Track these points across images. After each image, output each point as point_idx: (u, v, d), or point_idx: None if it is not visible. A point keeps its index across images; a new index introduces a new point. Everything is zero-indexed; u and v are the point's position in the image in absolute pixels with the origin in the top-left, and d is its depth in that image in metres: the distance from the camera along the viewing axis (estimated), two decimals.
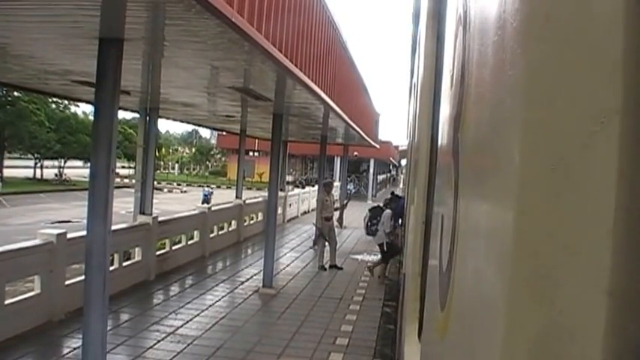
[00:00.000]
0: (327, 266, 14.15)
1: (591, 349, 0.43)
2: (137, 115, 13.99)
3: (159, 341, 8.24)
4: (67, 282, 9.01)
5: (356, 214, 26.45)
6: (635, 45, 0.42)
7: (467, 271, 0.82)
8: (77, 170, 53.55)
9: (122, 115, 41.62)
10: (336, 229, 15.72)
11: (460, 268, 0.89)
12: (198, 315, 9.61)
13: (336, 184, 30.03)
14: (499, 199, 0.59)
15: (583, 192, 0.45)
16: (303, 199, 26.88)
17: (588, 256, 0.44)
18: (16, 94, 41.54)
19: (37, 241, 8.67)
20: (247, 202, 18.83)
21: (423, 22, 4.02)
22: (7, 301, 7.93)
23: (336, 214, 18.36)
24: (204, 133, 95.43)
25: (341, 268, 14.19)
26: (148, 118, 13.01)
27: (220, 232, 16.46)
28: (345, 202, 22.26)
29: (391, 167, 75.07)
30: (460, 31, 1.08)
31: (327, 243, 14.50)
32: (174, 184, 60.56)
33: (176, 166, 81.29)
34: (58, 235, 8.78)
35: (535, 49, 0.51)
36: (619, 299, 0.42)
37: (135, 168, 14.14)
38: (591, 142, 0.44)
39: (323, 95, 9.98)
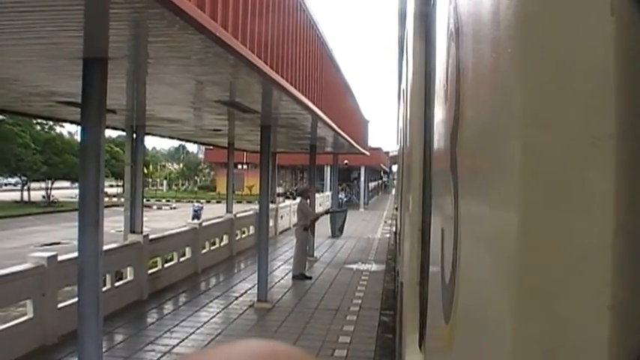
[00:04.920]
0: (308, 274, 14.27)
1: None
2: (124, 133, 13.91)
3: None
4: (60, 305, 8.88)
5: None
6: (626, 68, 0.43)
7: (471, 284, 0.81)
8: (65, 191, 53.07)
9: (108, 133, 41.49)
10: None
11: (464, 281, 0.87)
12: (193, 333, 9.52)
13: (327, 193, 29.94)
14: (502, 210, 0.59)
15: (583, 209, 0.46)
16: (294, 210, 26.71)
17: (589, 271, 0.45)
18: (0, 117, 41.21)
19: (27, 265, 8.54)
20: (238, 215, 18.73)
21: (410, 24, 3.98)
22: None
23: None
24: (192, 147, 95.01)
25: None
26: (134, 135, 12.94)
27: (212, 248, 16.32)
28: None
29: (382, 174, 75.01)
30: (452, 34, 1.06)
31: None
32: (164, 200, 60.21)
33: (164, 182, 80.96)
34: (49, 257, 8.66)
35: (530, 75, 0.52)
36: (620, 313, 0.43)
37: (123, 186, 14.05)
38: (589, 162, 0.45)
39: (310, 105, 9.97)
